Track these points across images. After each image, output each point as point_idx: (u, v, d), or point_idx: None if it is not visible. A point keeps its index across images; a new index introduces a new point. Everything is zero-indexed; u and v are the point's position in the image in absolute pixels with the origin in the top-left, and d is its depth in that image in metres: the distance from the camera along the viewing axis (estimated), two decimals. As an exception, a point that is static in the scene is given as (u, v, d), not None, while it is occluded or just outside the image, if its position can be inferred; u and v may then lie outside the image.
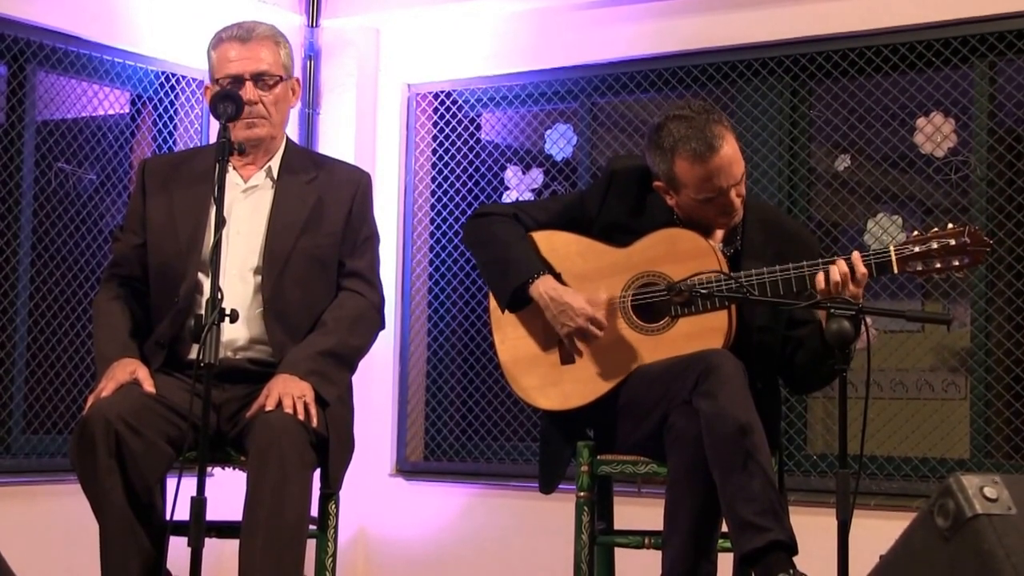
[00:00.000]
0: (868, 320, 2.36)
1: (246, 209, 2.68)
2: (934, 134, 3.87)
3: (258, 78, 2.65)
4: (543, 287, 2.65)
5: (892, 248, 2.47)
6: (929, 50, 3.78)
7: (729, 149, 2.54)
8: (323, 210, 2.69)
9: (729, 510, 2.40)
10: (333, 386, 2.58)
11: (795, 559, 2.38)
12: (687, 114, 2.56)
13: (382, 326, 2.75)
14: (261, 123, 2.62)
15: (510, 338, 2.76)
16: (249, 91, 2.63)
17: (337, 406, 2.61)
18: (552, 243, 2.75)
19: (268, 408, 2.46)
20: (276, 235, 2.65)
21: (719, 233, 2.70)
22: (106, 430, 2.40)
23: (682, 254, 2.61)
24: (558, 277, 2.71)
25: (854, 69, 3.92)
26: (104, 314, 2.70)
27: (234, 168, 2.68)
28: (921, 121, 3.90)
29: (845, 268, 2.45)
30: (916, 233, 2.49)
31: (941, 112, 3.86)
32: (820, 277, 2.47)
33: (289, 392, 2.48)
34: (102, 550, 2.46)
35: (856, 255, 2.47)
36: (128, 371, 2.54)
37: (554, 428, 2.74)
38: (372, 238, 2.77)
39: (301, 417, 2.45)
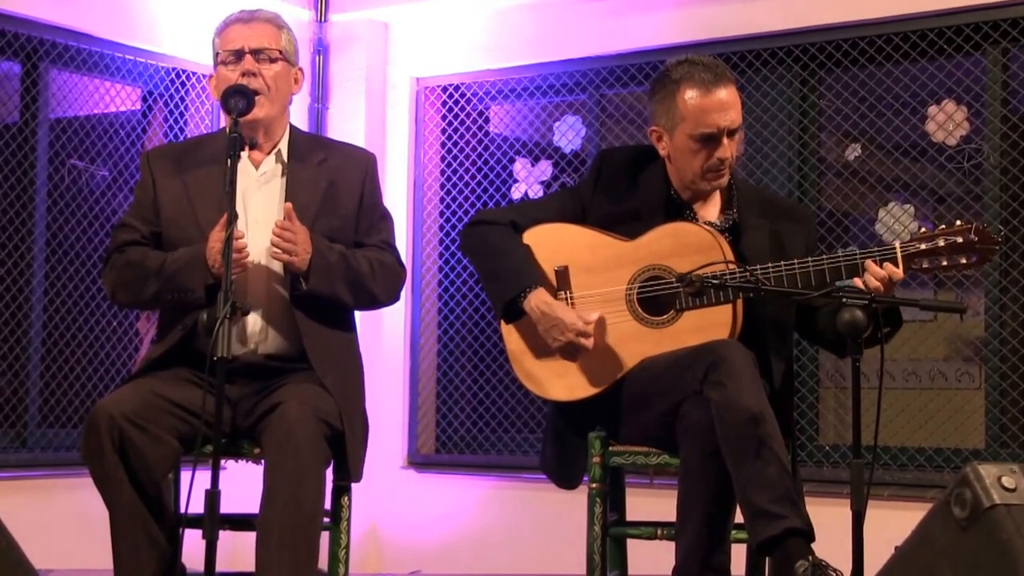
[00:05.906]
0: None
1: (261, 198, 2.68)
2: (946, 122, 3.85)
3: (257, 52, 2.67)
4: (535, 301, 2.65)
5: (898, 245, 2.46)
6: (941, 37, 3.76)
7: (734, 95, 2.64)
8: (336, 192, 2.70)
9: (743, 498, 2.39)
10: (324, 281, 2.57)
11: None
12: (699, 58, 2.69)
13: (397, 296, 2.77)
14: (260, 101, 2.60)
15: (518, 329, 2.77)
16: (248, 62, 2.65)
17: (351, 395, 2.61)
18: (560, 236, 2.75)
19: (277, 224, 2.52)
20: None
21: (714, 209, 2.71)
22: (110, 427, 2.42)
23: (689, 248, 2.61)
24: (564, 271, 2.71)
25: (864, 57, 3.90)
26: (131, 263, 2.63)
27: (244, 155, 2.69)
28: (933, 109, 3.88)
29: (883, 273, 2.45)
30: (923, 230, 2.47)
31: (953, 100, 3.84)
32: (858, 282, 2.46)
33: (292, 250, 2.52)
34: (113, 543, 2.48)
35: (873, 265, 2.46)
36: (213, 237, 2.52)
37: (565, 425, 2.73)
38: (386, 216, 2.80)
39: (275, 253, 2.52)
